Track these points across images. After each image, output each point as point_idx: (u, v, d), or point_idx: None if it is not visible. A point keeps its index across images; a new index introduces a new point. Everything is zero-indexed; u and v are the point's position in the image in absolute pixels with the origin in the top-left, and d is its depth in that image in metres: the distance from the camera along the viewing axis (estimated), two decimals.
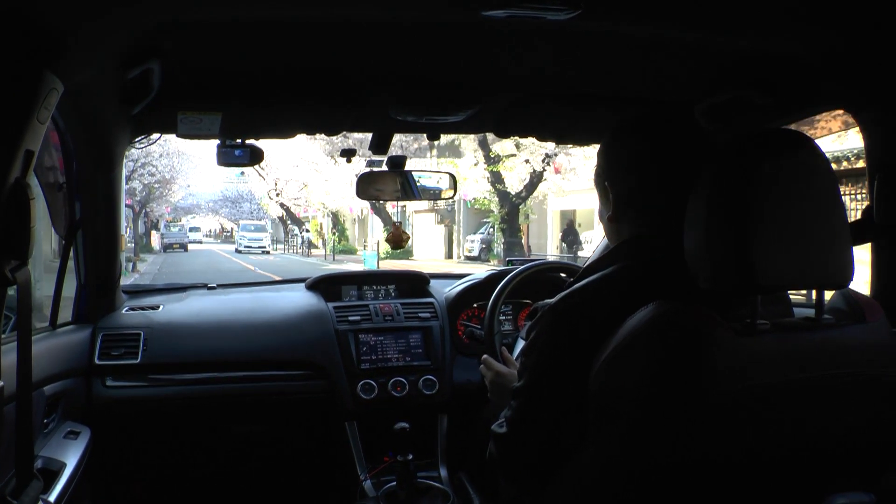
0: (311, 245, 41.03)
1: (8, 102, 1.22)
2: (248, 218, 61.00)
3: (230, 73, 2.02)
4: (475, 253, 29.03)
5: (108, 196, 2.43)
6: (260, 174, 36.29)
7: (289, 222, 46.59)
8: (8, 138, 1.22)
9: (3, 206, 1.21)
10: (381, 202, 20.78)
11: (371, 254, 26.86)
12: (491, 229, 27.87)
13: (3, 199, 1.21)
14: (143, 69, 1.73)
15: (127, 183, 25.67)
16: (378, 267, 22.75)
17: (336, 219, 40.68)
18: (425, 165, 26.20)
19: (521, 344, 2.51)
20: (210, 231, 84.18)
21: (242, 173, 42.08)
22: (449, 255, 33.32)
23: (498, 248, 26.03)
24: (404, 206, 32.91)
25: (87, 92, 1.78)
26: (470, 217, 31.82)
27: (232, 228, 74.47)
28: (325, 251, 37.79)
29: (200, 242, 65.10)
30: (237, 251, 43.12)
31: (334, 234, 39.74)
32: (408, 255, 31.71)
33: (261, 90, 2.12)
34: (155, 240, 44.77)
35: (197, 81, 2.04)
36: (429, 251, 34.12)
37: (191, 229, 68.07)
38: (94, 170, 2.32)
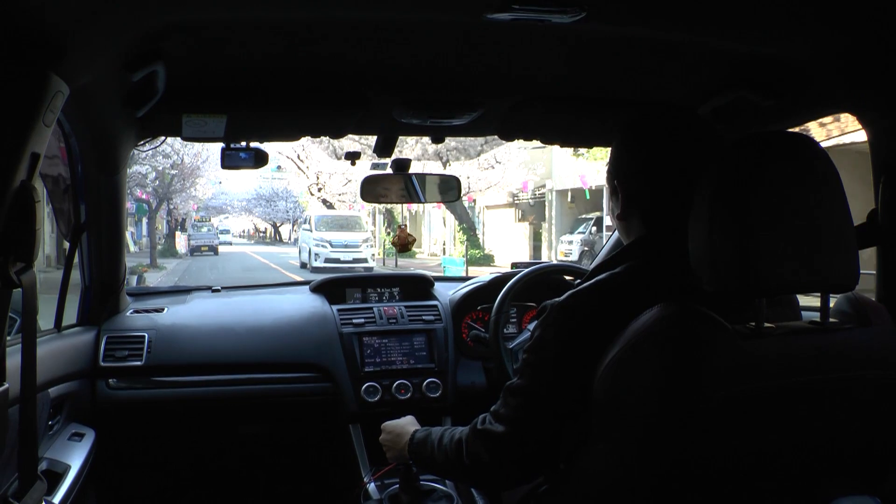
0: None
1: (14, 105, 1.23)
2: (284, 218, 54.12)
3: (235, 75, 2.03)
4: (574, 257, 22.96)
5: (113, 199, 2.43)
6: (300, 167, 31.53)
7: None
8: (14, 141, 1.23)
9: (8, 208, 1.22)
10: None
11: (457, 260, 22.95)
12: (594, 228, 24.00)
13: (9, 201, 1.22)
14: (148, 72, 1.73)
15: (131, 166, 22.70)
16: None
17: (391, 216, 35.08)
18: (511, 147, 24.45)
19: (523, 336, 2.50)
20: (243, 231, 79.50)
21: (279, 167, 38.90)
22: (536, 259, 24.74)
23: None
24: (474, 200, 30.10)
25: (92, 95, 1.79)
26: (564, 213, 26.76)
27: (266, 229, 68.38)
28: (382, 255, 31.40)
29: (231, 244, 59.29)
30: (307, 267, 25.55)
31: (389, 233, 33.38)
32: (489, 260, 27.47)
33: (265, 92, 2.12)
34: (180, 242, 39.50)
35: (202, 84, 2.04)
36: (510, 255, 26.48)
37: (221, 231, 62.12)
38: (98, 173, 2.33)
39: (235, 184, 51.46)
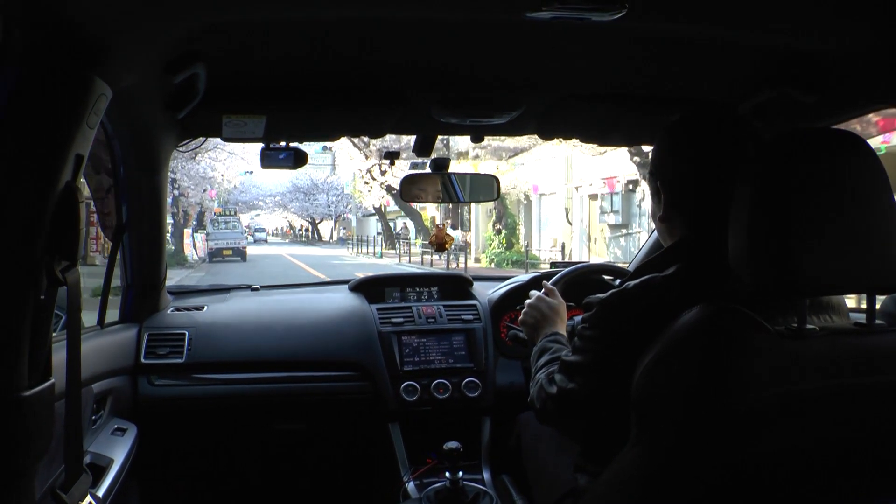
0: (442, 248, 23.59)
1: (58, 108, 1.25)
2: (324, 213, 46.22)
3: (274, 75, 2.04)
4: None
5: (153, 199, 2.47)
6: (356, 146, 24.91)
7: (400, 217, 33.83)
8: (59, 143, 1.25)
9: (54, 209, 1.24)
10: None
11: None
12: None
13: (55, 202, 1.24)
14: (189, 74, 1.75)
15: None
16: None
17: (503, 209, 26.51)
18: None
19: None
20: (276, 229, 72.85)
21: (325, 148, 33.06)
22: None
23: None
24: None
25: (134, 97, 1.81)
26: None
27: (304, 227, 58.78)
28: (487, 261, 24.99)
29: (266, 241, 53.38)
30: None
31: (498, 232, 25.97)
32: None
33: (304, 92, 2.13)
34: (192, 244, 29.39)
35: (241, 85, 2.06)
36: None
37: (256, 229, 55.93)
38: (139, 174, 2.37)
39: (268, 175, 44.20)
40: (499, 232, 25.99)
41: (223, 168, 28.80)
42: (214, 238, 30.97)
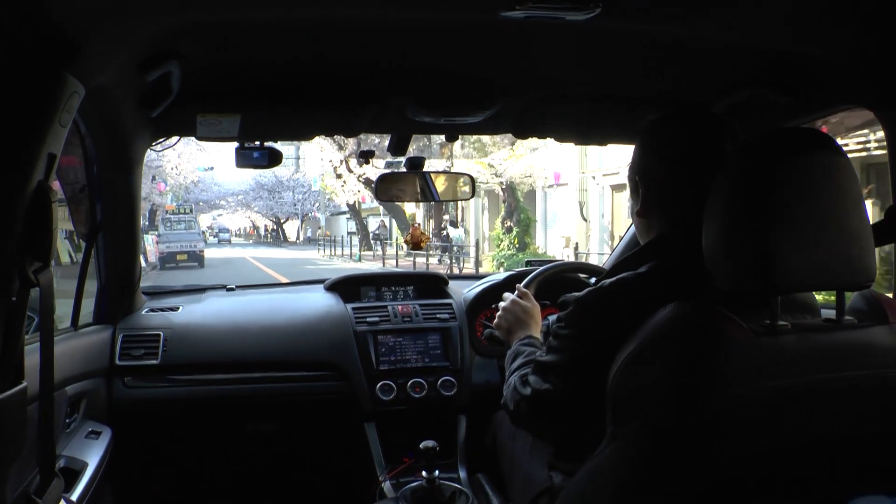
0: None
1: (30, 106, 1.24)
2: (290, 212, 43.39)
3: (249, 75, 2.03)
4: None
5: (128, 198, 2.45)
6: (334, 139, 21.46)
7: (382, 217, 30.90)
8: (31, 141, 1.24)
9: (26, 209, 1.23)
10: None
11: None
12: None
13: (26, 202, 1.23)
14: (163, 72, 1.74)
15: None
16: None
17: (514, 202, 21.33)
18: None
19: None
20: (240, 230, 69.02)
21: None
22: None
23: None
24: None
25: (107, 95, 1.80)
26: None
27: (268, 227, 55.21)
28: (494, 264, 20.76)
29: (230, 242, 51.03)
30: None
31: (509, 230, 21.23)
32: None
33: (279, 91, 2.13)
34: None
35: (216, 84, 2.05)
36: None
37: (220, 230, 54.27)
38: (113, 172, 2.34)
39: (230, 172, 39.96)
40: (509, 230, 21.46)
41: (175, 157, 25.06)
42: (167, 240, 26.29)
